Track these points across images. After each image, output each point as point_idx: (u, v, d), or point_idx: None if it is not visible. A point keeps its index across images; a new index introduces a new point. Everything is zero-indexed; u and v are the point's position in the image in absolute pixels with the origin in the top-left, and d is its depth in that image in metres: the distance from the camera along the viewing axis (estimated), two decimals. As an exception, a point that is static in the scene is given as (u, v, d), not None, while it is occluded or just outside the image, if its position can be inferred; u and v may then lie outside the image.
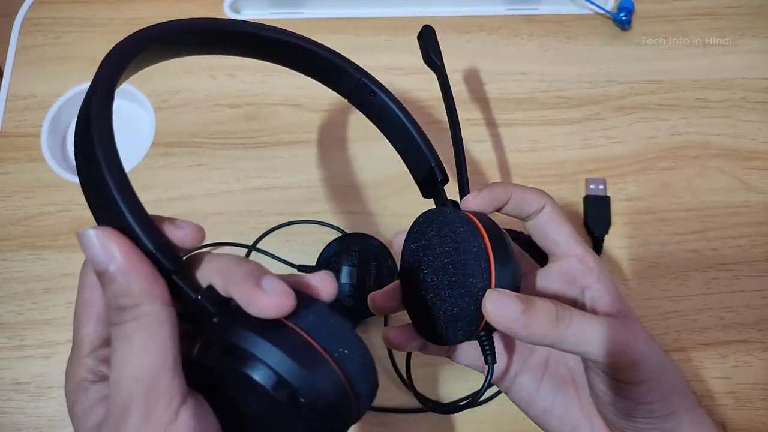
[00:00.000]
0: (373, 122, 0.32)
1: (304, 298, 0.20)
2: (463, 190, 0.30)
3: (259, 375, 0.19)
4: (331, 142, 0.48)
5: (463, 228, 0.26)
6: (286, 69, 0.50)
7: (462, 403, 0.30)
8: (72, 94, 0.49)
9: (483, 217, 0.27)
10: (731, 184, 0.46)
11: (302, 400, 0.19)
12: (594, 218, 0.44)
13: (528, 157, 0.47)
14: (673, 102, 0.49)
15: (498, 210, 0.29)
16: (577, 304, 0.28)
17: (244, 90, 0.49)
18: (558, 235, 0.29)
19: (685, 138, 0.47)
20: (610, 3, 0.52)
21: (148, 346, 0.19)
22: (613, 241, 0.44)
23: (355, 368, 0.20)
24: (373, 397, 0.21)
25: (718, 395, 0.40)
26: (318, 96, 0.49)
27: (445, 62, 0.50)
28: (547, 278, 0.29)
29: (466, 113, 0.49)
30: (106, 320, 0.22)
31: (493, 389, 0.39)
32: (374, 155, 0.47)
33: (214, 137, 0.48)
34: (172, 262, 0.20)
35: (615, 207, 0.45)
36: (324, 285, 0.22)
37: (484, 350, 0.26)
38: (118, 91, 0.47)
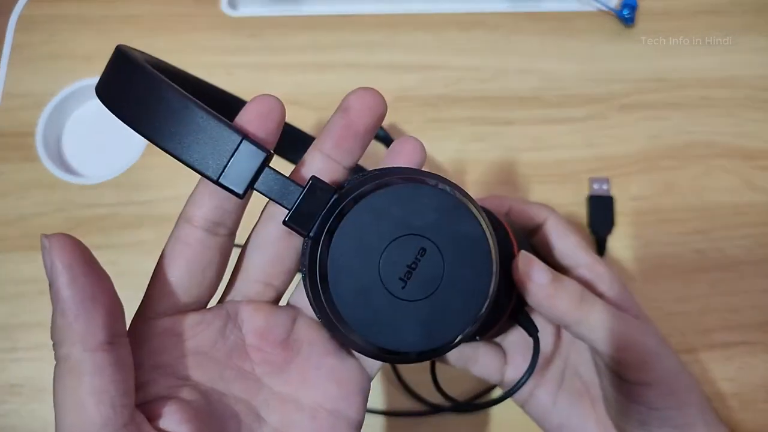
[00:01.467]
0: None
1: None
2: None
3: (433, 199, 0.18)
4: (330, 141, 0.47)
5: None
6: (287, 67, 0.50)
7: (501, 394, 0.29)
8: (67, 92, 0.48)
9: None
10: (736, 184, 0.45)
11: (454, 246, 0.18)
12: (597, 218, 0.43)
13: (530, 156, 0.46)
14: (677, 101, 0.48)
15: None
16: None
17: (242, 89, 0.49)
18: (563, 246, 0.29)
19: (690, 137, 0.47)
20: (613, 0, 0.51)
21: (71, 401, 0.16)
22: (617, 241, 0.43)
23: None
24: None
25: (724, 397, 0.39)
26: (318, 94, 0.49)
27: (446, 59, 0.50)
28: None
29: (467, 111, 0.48)
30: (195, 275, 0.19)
31: (496, 393, 0.39)
32: (374, 154, 0.47)
33: (211, 136, 0.47)
34: (263, 149, 0.18)
35: (619, 207, 0.44)
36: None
37: (526, 322, 0.27)
38: None
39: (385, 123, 0.48)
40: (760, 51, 0.50)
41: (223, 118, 0.18)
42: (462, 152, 0.47)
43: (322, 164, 0.20)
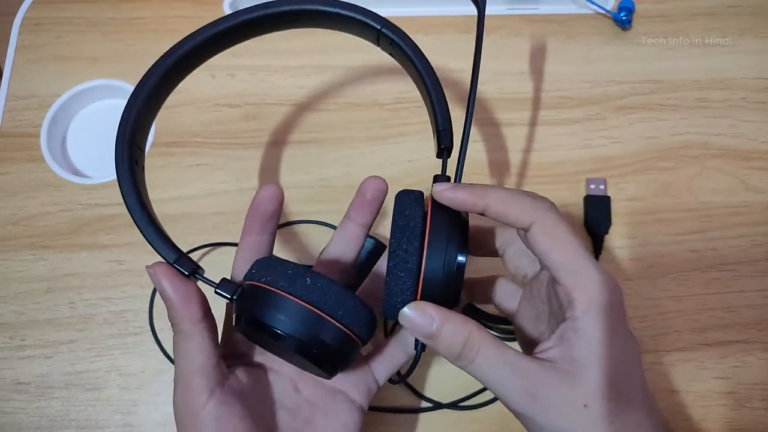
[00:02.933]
0: (405, 70, 0.32)
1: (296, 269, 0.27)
2: (459, 168, 0.29)
3: (270, 332, 0.26)
4: (331, 142, 0.48)
5: (410, 224, 0.27)
6: (287, 68, 0.50)
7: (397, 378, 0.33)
8: (72, 93, 0.49)
9: (443, 216, 0.27)
10: (731, 184, 0.46)
11: (303, 341, 0.26)
12: (594, 218, 0.44)
13: (528, 157, 0.47)
14: (674, 102, 0.49)
15: (478, 213, 0.27)
16: (550, 330, 0.27)
17: (244, 90, 0.49)
18: (543, 261, 0.26)
19: (685, 138, 0.47)
20: (610, 2, 0.52)
21: (183, 355, 0.27)
22: (613, 241, 0.44)
23: (347, 313, 0.26)
24: (372, 328, 0.28)
25: (718, 395, 0.40)
26: (318, 96, 0.49)
27: (444, 62, 0.50)
28: (531, 290, 0.30)
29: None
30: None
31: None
32: (374, 155, 0.47)
33: (214, 137, 0.48)
34: (188, 268, 0.27)
35: (615, 207, 0.45)
36: None
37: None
38: (116, 91, 0.50)
39: (386, 124, 0.48)
40: (755, 53, 0.50)
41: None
42: (461, 153, 0.47)
43: (348, 225, 0.33)
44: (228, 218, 0.45)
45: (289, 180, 0.46)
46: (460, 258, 0.26)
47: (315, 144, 0.48)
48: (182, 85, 0.50)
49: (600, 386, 0.24)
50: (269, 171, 0.46)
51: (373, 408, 0.39)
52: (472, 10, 0.54)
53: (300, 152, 0.47)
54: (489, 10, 0.53)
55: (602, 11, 0.51)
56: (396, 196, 0.29)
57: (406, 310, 0.26)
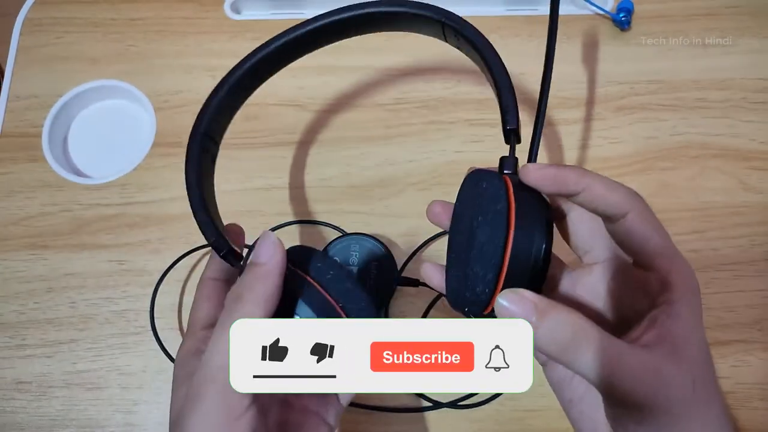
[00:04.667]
0: (472, 60, 0.32)
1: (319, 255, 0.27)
2: (532, 152, 0.29)
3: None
4: (331, 142, 0.48)
5: (491, 211, 0.24)
6: (288, 68, 0.50)
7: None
8: (73, 94, 0.49)
9: (525, 197, 0.25)
10: (731, 185, 0.46)
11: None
12: None
13: (527, 157, 0.47)
14: (673, 102, 0.49)
15: (566, 196, 0.26)
16: (636, 316, 0.26)
17: (245, 90, 0.50)
18: (641, 247, 0.25)
19: (685, 138, 0.47)
20: (609, 3, 0.52)
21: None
22: (612, 241, 0.44)
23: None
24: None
25: (718, 395, 0.40)
26: (318, 96, 0.49)
27: (445, 62, 0.50)
28: (619, 278, 0.27)
29: (466, 113, 0.49)
30: (219, 310, 0.27)
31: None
32: (374, 155, 0.47)
33: (214, 137, 0.48)
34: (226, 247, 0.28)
35: (615, 207, 0.45)
36: None
37: None
38: (117, 91, 0.50)
39: (386, 124, 0.48)
40: (754, 53, 0.50)
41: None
42: (461, 153, 0.47)
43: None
44: (228, 219, 0.44)
45: (289, 180, 0.47)
46: (547, 244, 0.24)
47: (315, 144, 0.48)
48: (183, 85, 0.50)
49: (702, 362, 0.24)
50: (269, 171, 0.47)
51: (373, 408, 0.39)
52: (471, 11, 0.54)
53: (300, 152, 0.47)
54: (489, 10, 0.53)
55: (601, 12, 0.52)
56: (468, 175, 0.28)
57: (500, 299, 0.23)
